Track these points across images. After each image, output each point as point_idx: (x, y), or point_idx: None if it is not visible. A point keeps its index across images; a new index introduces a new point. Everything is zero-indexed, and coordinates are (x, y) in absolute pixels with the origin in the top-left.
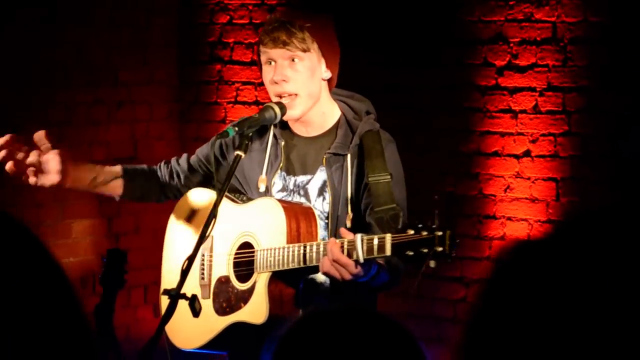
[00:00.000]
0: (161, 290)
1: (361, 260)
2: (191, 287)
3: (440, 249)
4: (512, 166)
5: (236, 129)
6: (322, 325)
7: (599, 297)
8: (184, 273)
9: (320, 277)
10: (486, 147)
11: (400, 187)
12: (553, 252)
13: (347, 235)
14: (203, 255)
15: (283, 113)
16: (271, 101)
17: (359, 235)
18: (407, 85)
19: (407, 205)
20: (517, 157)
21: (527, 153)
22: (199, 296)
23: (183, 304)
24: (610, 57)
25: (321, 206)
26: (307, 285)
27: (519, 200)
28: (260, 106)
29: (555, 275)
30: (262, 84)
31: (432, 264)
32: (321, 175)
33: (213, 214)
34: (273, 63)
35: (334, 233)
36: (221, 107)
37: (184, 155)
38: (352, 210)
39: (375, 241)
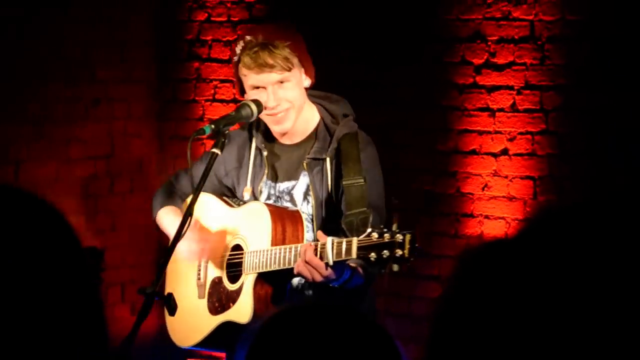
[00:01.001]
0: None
1: (331, 262)
2: (191, 287)
3: (400, 252)
4: (489, 164)
5: (212, 126)
6: (295, 321)
7: (564, 294)
8: (160, 270)
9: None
10: (464, 145)
11: (377, 187)
12: (518, 250)
13: (322, 238)
14: (201, 256)
15: (260, 110)
16: (249, 99)
17: (329, 239)
18: (384, 82)
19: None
20: (494, 155)
21: (504, 151)
22: (196, 296)
23: (186, 303)
24: (587, 55)
25: (307, 209)
26: (293, 288)
27: (497, 198)
28: (238, 104)
29: (519, 273)
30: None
31: (394, 267)
32: (304, 180)
33: (189, 213)
34: (262, 88)
35: None
36: (199, 104)
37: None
38: (332, 212)
39: (344, 245)
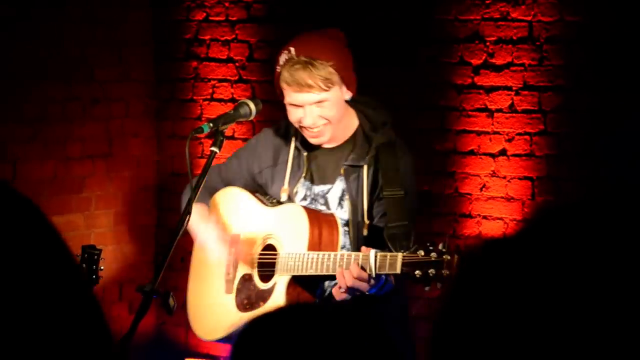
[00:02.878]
0: (191, 286)
1: (373, 274)
2: (219, 282)
3: (447, 272)
4: (488, 165)
5: (211, 125)
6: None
7: (566, 293)
8: (158, 268)
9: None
10: (462, 146)
11: (413, 201)
12: (520, 250)
13: (365, 251)
14: (230, 252)
15: (258, 109)
16: (247, 98)
17: (372, 251)
18: (383, 83)
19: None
20: (493, 156)
21: (503, 152)
22: (223, 290)
23: (212, 297)
24: (586, 56)
25: (340, 214)
26: (324, 292)
27: (495, 199)
28: (236, 103)
29: (522, 272)
30: (237, 81)
31: (438, 285)
32: (340, 185)
33: (187, 211)
34: (298, 106)
35: (355, 240)
36: (197, 104)
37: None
38: (368, 218)
39: (388, 259)
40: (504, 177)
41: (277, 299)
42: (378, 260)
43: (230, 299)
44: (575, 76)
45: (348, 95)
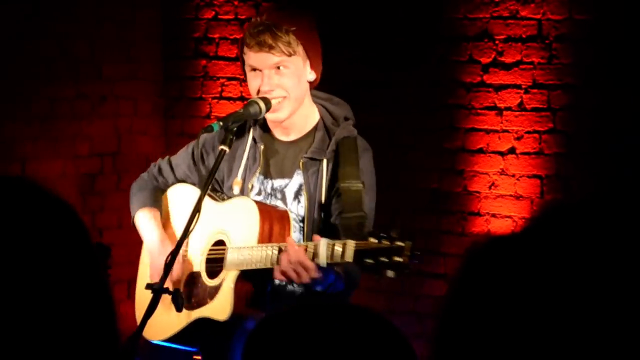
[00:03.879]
0: (138, 285)
1: (323, 264)
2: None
3: (400, 259)
4: (496, 163)
5: (221, 123)
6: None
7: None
8: (167, 267)
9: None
10: (471, 144)
11: (371, 196)
12: (525, 246)
13: (316, 239)
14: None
15: (268, 108)
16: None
17: (323, 240)
18: (391, 81)
19: (389, 203)
20: (502, 154)
21: (512, 150)
22: (170, 289)
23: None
24: (595, 54)
25: (296, 209)
26: (274, 289)
27: (504, 197)
28: (246, 101)
29: (527, 267)
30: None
31: (389, 273)
32: (298, 179)
33: (197, 209)
34: (258, 71)
35: (309, 236)
36: (206, 102)
37: (166, 168)
38: (325, 213)
39: (339, 247)
40: (513, 175)
41: (225, 295)
42: (329, 248)
43: None
44: (584, 74)
45: (312, 75)
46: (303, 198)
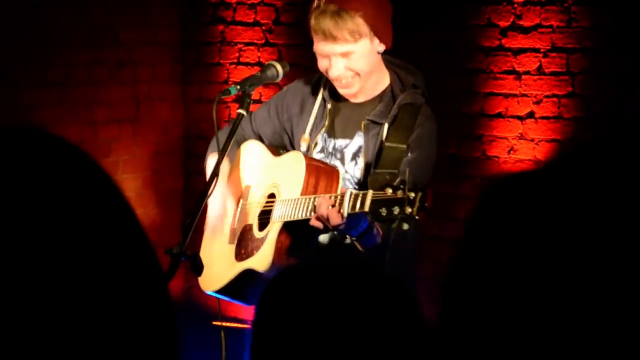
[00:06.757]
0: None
1: (345, 213)
2: (225, 233)
3: (409, 210)
4: (515, 127)
5: (238, 87)
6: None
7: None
8: (186, 230)
9: (329, 238)
10: (490, 109)
11: (427, 164)
12: (542, 183)
13: (343, 191)
14: (239, 203)
15: (285, 71)
16: (274, 60)
17: (348, 191)
18: (409, 46)
19: None
20: (520, 118)
21: (530, 114)
22: (227, 241)
23: (216, 248)
24: (614, 18)
25: (352, 170)
26: (319, 246)
27: (523, 161)
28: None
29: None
30: (264, 44)
31: (404, 226)
32: (358, 140)
33: (215, 173)
34: (325, 57)
35: None
36: (224, 68)
37: (246, 120)
38: None
39: (359, 197)
40: (532, 140)
41: (268, 246)
42: (351, 199)
43: (231, 249)
44: (603, 38)
45: (381, 47)
46: (360, 160)
